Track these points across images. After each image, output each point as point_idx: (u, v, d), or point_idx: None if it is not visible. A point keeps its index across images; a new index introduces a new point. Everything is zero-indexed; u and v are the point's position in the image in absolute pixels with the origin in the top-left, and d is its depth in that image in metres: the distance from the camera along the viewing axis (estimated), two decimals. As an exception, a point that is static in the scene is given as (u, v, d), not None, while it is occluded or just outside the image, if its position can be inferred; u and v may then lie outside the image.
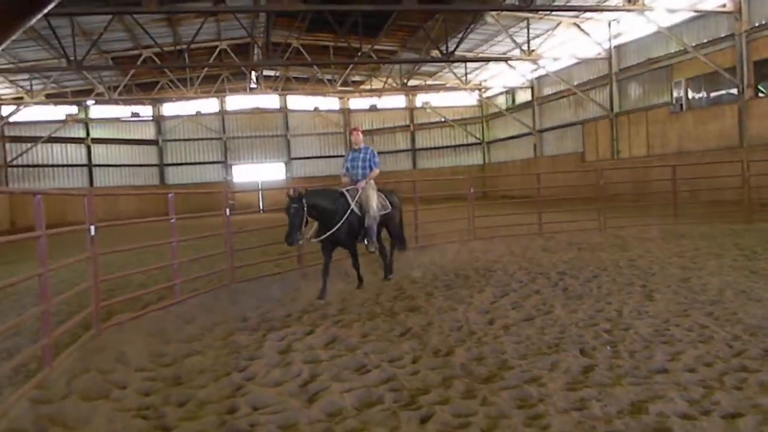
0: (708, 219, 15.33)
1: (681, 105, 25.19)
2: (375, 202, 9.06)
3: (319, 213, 8.38)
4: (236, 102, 43.53)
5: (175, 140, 42.69)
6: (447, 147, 45.17)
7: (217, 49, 32.82)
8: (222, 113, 43.40)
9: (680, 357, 4.96)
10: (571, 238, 13.83)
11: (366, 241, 9.00)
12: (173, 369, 5.30)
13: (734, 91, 22.09)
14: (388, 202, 9.59)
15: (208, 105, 42.95)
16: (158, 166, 42.32)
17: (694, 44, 23.45)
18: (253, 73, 37.96)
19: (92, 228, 6.48)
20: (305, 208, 8.11)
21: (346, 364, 5.25)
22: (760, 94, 21.53)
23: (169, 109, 42.76)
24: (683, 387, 4.28)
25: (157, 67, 30.85)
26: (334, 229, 8.45)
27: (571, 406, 4.07)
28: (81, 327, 6.52)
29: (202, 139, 43.03)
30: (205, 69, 34.84)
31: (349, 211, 8.63)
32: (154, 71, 34.95)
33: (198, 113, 42.80)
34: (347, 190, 8.95)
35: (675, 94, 25.42)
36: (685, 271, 8.93)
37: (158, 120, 42.49)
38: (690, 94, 24.94)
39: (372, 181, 9.31)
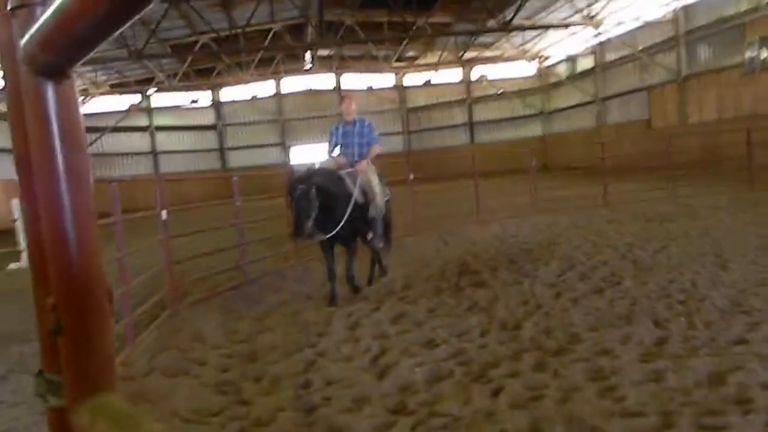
0: (786, 184, 14.62)
1: (755, 65, 23.95)
2: (379, 188, 7.56)
3: (324, 199, 6.58)
4: (292, 84, 43.93)
5: (234, 124, 43.45)
6: (505, 120, 44.37)
7: (272, 31, 33.12)
8: (278, 95, 43.86)
9: (760, 327, 4.79)
10: (638, 208, 13.44)
11: (370, 237, 7.47)
12: (247, 346, 5.47)
13: (813, 47, 20.84)
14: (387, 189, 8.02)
15: (265, 88, 43.47)
16: (219, 151, 43.26)
17: None
18: (308, 53, 38.12)
19: (164, 213, 6.71)
20: (316, 191, 6.47)
21: (414, 339, 5.30)
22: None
23: (227, 93, 43.56)
24: (764, 357, 4.13)
25: (214, 52, 31.43)
26: (344, 219, 6.83)
27: (646, 378, 4.00)
28: (158, 308, 6.79)
29: (260, 122, 43.65)
30: (261, 52, 35.25)
31: (353, 200, 7.04)
32: (211, 57, 35.62)
33: (254, 97, 43.41)
34: (347, 173, 7.28)
35: (748, 54, 24.17)
36: (762, 240, 8.57)
37: (217, 105, 43.32)
38: (765, 54, 23.68)
39: (372, 164, 7.71)
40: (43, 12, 0.71)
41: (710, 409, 3.46)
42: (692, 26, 27.42)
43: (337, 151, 7.68)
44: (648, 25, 30.07)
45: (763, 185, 14.64)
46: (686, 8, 27.71)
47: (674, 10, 28.13)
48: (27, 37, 0.72)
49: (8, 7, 0.76)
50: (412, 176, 12.29)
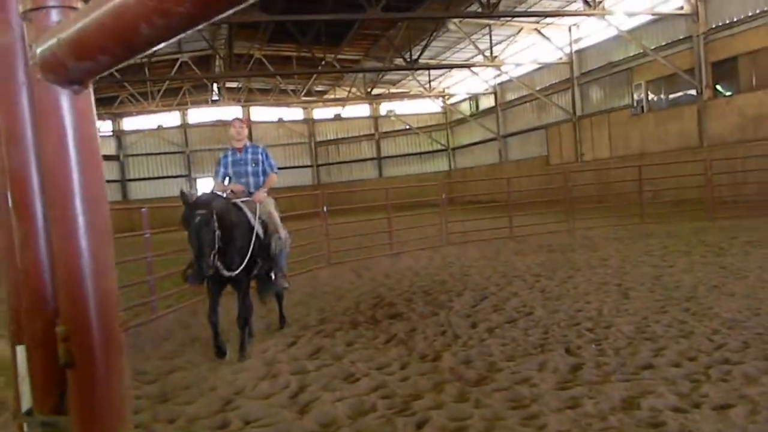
0: (672, 218, 15.67)
1: (642, 107, 25.75)
2: (279, 221, 6.66)
3: (225, 230, 5.59)
4: (198, 115, 43.07)
5: (137, 155, 41.97)
6: (412, 154, 45.32)
7: (178, 62, 32.48)
8: (184, 126, 42.81)
9: (664, 352, 5.05)
10: (541, 240, 13.99)
11: (273, 276, 6.52)
12: (158, 386, 5.19)
13: (693, 92, 22.67)
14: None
15: (170, 118, 42.38)
16: (120, 182, 41.58)
17: (653, 47, 24.00)
18: (215, 85, 37.54)
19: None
20: (217, 220, 5.45)
21: (334, 374, 5.21)
22: (719, 95, 22.13)
23: (129, 123, 42.08)
24: (671, 381, 4.35)
25: (117, 81, 30.40)
26: (249, 254, 5.92)
27: (564, 405, 4.11)
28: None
29: (164, 153, 42.39)
30: (167, 82, 34.45)
31: (254, 233, 6.10)
32: (114, 85, 34.43)
33: (160, 127, 42.17)
34: (243, 202, 6.31)
35: (636, 97, 25.97)
36: (656, 269, 9.11)
37: (119, 135, 41.75)
38: (650, 96, 25.52)
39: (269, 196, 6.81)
40: (60, 15, 0.64)
41: (627, 433, 3.59)
42: (585, 69, 29.22)
43: (227, 182, 6.69)
44: (546, 67, 31.78)
45: (652, 218, 15.62)
46: (579, 52, 29.53)
47: (569, 54, 29.89)
48: (51, 41, 0.65)
49: (20, 10, 0.68)
50: (325, 208, 12.24)
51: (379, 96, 42.51)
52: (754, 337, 5.25)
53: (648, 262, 9.88)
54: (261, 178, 6.70)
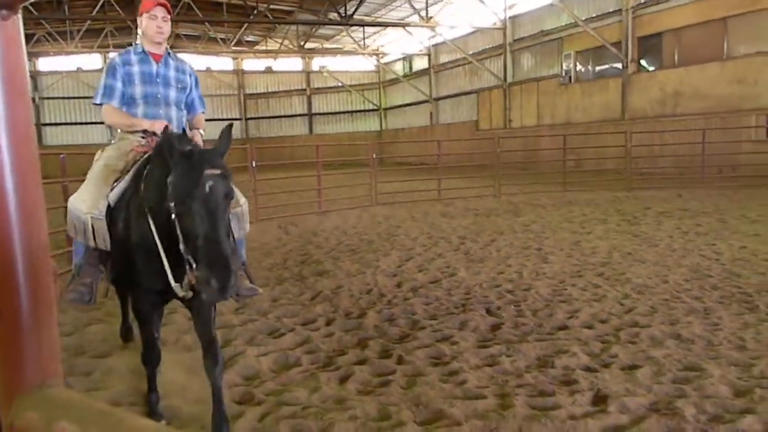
0: (593, 187, 16.26)
1: (570, 77, 26.34)
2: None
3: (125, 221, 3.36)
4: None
5: (54, 98, 39.77)
6: (344, 112, 44.95)
7: (101, 1, 30.74)
8: (106, 70, 40.77)
9: (578, 314, 5.29)
10: (468, 204, 14.26)
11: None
12: (75, 338, 5.04)
13: (619, 65, 23.35)
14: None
15: (91, 61, 40.24)
16: (35, 126, 39.36)
17: (584, 18, 24.45)
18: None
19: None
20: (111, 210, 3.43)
21: (259, 329, 5.20)
22: (643, 69, 22.89)
23: (46, 64, 39.71)
24: (584, 342, 4.58)
25: (33, 17, 28.54)
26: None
27: (483, 363, 4.26)
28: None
29: (84, 98, 40.28)
30: (88, 22, 32.58)
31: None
32: (30, 22, 32.30)
33: (79, 69, 40.00)
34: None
35: (564, 67, 26.52)
36: (575, 235, 9.47)
37: (34, 75, 39.36)
38: (578, 67, 26.12)
39: None
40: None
41: (541, 391, 3.77)
42: (518, 36, 29.54)
43: (139, 113, 3.89)
44: (480, 32, 31.92)
45: (574, 186, 16.16)
46: (513, 18, 29.79)
47: (503, 20, 30.11)
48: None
49: None
50: (254, 163, 12.02)
51: (312, 50, 41.68)
52: (662, 302, 5.57)
53: (567, 228, 10.25)
54: (185, 116, 4.14)
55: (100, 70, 40.29)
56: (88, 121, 40.24)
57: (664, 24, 21.60)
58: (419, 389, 3.83)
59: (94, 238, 3.43)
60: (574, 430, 3.25)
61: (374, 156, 14.59)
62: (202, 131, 4.09)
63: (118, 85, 3.84)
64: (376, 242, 9.49)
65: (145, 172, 3.29)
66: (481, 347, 4.57)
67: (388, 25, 33.27)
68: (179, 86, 4.06)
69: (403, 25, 32.24)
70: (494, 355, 4.38)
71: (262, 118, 43.88)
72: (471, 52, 32.70)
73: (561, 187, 16.12)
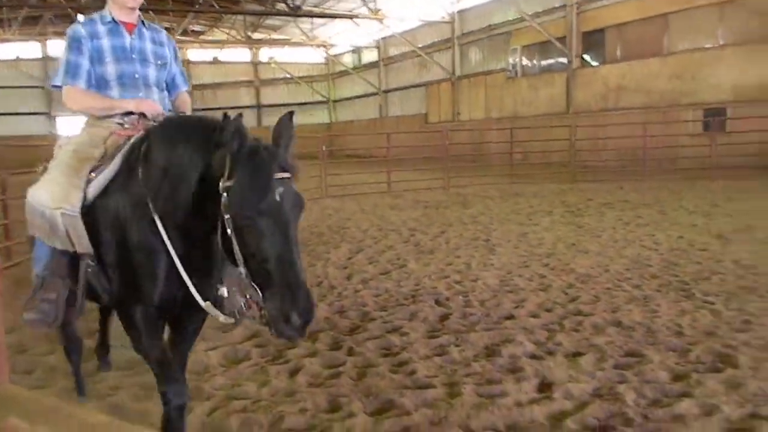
0: (539, 179, 16.60)
1: (517, 71, 26.77)
2: None
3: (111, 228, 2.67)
4: (60, 47, 39.70)
5: (-11, 87, 38.17)
6: (293, 104, 44.45)
7: (39, -13, 29.68)
8: (45, 59, 39.34)
9: (524, 304, 5.41)
10: (417, 196, 14.38)
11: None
12: (15, 336, 4.88)
13: (564, 60, 23.85)
14: None
15: (30, 49, 38.73)
16: (-31, 115, 37.75)
17: (530, 13, 24.86)
18: (81, 15, 34.62)
19: None
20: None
21: (208, 323, 5.12)
22: (586, 64, 23.44)
23: (-19, 51, 38.09)
24: (529, 331, 4.68)
25: (-34, 2, 27.36)
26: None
27: (432, 353, 4.32)
28: None
29: (21, 87, 38.78)
30: (25, 9, 31.33)
31: None
32: (-38, 7, 30.94)
33: (17, 58, 38.48)
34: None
35: (511, 61, 26.94)
36: (522, 227, 9.66)
37: (-33, 64, 37.72)
38: (525, 61, 26.57)
39: None
40: None
41: (488, 379, 3.85)
42: (466, 30, 29.84)
43: (115, 95, 3.12)
44: (428, 25, 32.10)
45: (521, 179, 16.48)
46: (462, 12, 30.06)
47: (452, 13, 30.34)
48: None
49: None
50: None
51: (260, 41, 41.16)
52: (604, 291, 5.75)
53: (515, 220, 10.45)
54: (167, 97, 3.38)
55: (39, 59, 38.98)
56: (26, 111, 38.77)
57: (607, 20, 22.17)
58: (369, 380, 3.86)
59: (69, 239, 2.69)
60: (521, 416, 3.33)
61: (324, 148, 14.54)
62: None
63: (85, 62, 3.06)
64: (326, 235, 9.48)
65: (143, 157, 2.62)
66: (431, 337, 4.63)
67: (336, 17, 33.12)
68: (159, 62, 3.27)
69: (351, 17, 32.15)
70: (443, 345, 4.44)
71: (209, 109, 43.09)
72: (420, 45, 32.85)
73: (508, 180, 16.42)
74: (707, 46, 18.96)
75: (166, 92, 3.37)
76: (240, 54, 43.66)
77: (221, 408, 3.55)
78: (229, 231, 2.22)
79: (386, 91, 37.61)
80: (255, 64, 43.97)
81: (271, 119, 43.65)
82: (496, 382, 3.78)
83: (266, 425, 3.34)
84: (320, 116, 44.57)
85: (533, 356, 4.18)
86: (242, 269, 2.22)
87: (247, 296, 2.28)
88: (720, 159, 15.54)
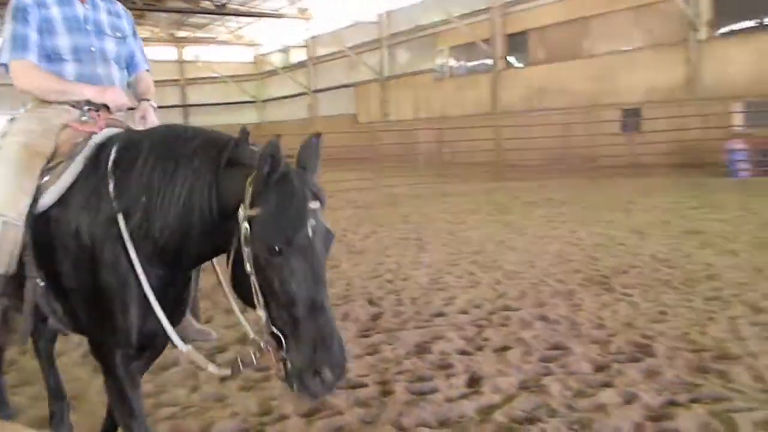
0: (467, 178, 16.93)
1: (444, 72, 27.19)
2: None
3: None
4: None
5: None
6: (221, 104, 43.71)
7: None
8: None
9: (454, 301, 5.52)
10: (348, 196, 14.40)
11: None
12: None
13: (489, 61, 24.38)
14: None
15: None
16: None
17: (456, 15, 25.27)
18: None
19: None
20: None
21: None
22: (511, 66, 24.04)
23: None
24: (459, 327, 4.78)
25: None
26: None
27: (364, 351, 4.34)
28: None
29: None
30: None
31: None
32: None
33: None
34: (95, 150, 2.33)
35: (439, 62, 27.33)
36: (450, 225, 9.84)
37: None
38: (452, 63, 27.01)
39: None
40: None
41: (419, 376, 3.90)
42: (395, 30, 30.07)
43: (69, 73, 2.70)
44: (357, 25, 32.15)
45: (449, 178, 16.76)
46: (390, 13, 30.27)
47: (380, 14, 30.51)
48: None
49: None
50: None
51: (185, 39, 40.20)
52: (530, 286, 5.92)
53: (443, 218, 10.63)
54: (126, 77, 3.05)
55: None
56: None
57: (530, 22, 22.82)
58: (302, 382, 3.85)
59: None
60: (451, 411, 3.39)
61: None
62: (153, 103, 3.02)
63: (33, 34, 2.62)
64: (255, 237, 9.37)
65: (114, 166, 2.16)
66: (363, 336, 4.66)
67: (262, 16, 32.70)
68: (117, 35, 2.89)
69: (278, 16, 31.83)
70: (375, 344, 4.48)
71: (132, 109, 41.75)
72: (349, 45, 32.87)
73: (437, 179, 16.66)
74: (624, 48, 19.80)
75: (125, 70, 3.03)
76: (165, 52, 42.49)
77: (149, 416, 3.45)
78: (248, 268, 1.86)
79: (316, 91, 37.45)
80: (180, 62, 42.90)
81: (198, 119, 42.75)
82: (427, 379, 3.84)
83: (197, 431, 3.29)
84: (249, 116, 43.86)
85: (463, 352, 4.26)
86: (262, 312, 1.88)
87: (262, 344, 1.92)
88: (637, 157, 16.26)
